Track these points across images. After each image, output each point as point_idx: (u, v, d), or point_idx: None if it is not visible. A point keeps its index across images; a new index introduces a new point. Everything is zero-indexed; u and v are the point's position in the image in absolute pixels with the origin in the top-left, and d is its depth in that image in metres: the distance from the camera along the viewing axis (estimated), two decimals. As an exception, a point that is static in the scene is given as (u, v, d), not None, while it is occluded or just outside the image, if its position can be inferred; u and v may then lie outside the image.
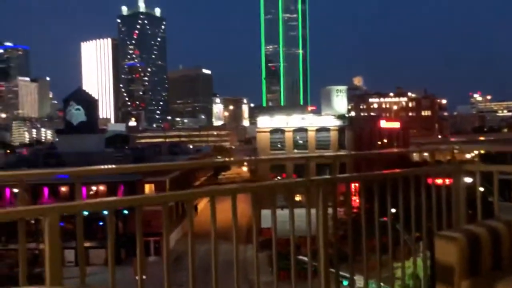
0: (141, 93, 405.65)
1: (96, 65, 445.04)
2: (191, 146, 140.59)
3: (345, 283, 4.40)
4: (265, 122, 70.54)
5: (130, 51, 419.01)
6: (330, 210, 4.09)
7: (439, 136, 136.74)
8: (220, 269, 3.31)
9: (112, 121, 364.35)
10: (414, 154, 25.61)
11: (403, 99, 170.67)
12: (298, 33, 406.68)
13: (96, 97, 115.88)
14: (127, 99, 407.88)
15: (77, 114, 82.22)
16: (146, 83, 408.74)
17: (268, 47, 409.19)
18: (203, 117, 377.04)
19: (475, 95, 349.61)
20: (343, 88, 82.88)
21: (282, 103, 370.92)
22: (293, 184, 3.99)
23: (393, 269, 4.52)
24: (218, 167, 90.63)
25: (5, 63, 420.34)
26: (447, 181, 4.99)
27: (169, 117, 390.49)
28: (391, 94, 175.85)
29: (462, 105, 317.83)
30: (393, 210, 4.40)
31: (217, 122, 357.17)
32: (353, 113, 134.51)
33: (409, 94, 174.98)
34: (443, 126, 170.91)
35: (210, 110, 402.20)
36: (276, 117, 71.34)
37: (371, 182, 4.36)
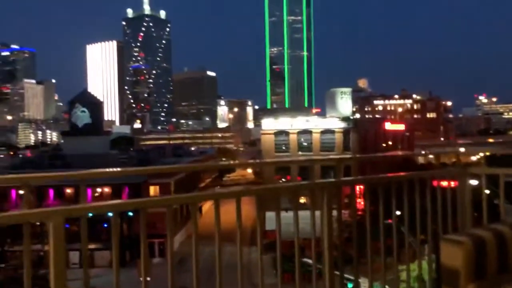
0: (146, 95, 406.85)
1: (101, 67, 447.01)
2: (193, 148, 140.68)
3: (350, 285, 4.38)
4: (269, 124, 70.57)
5: (135, 53, 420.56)
6: (334, 212, 4.08)
7: (442, 139, 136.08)
8: (224, 271, 3.31)
9: (117, 123, 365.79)
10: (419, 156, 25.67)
11: (408, 101, 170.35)
12: (303, 35, 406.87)
13: (101, 99, 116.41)
14: (132, 101, 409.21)
15: (82, 116, 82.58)
16: (151, 85, 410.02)
17: (272, 49, 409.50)
18: (207, 119, 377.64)
19: (481, 97, 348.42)
20: (348, 90, 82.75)
21: (286, 105, 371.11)
22: (298, 187, 3.99)
23: (398, 271, 4.51)
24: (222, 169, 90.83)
25: (11, 66, 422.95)
26: (453, 183, 4.97)
27: (174, 119, 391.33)
28: (396, 96, 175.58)
29: (467, 107, 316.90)
30: (398, 213, 4.39)
31: (221, 124, 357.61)
32: (357, 115, 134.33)
33: (414, 96, 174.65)
34: (448, 128, 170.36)
35: (214, 112, 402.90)
36: (280, 119, 71.37)
37: (376, 185, 4.35)
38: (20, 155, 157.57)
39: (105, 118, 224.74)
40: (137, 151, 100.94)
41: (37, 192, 55.20)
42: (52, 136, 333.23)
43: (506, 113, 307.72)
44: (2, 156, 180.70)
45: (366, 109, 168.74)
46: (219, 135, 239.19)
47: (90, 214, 2.77)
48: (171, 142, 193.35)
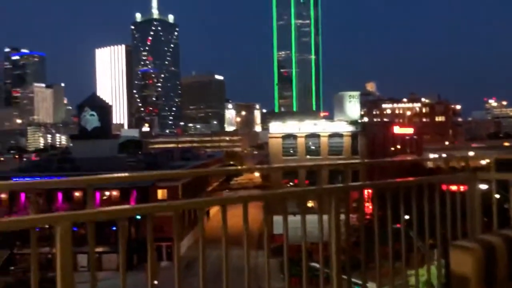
0: (154, 99, 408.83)
1: (110, 71, 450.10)
2: (203, 152, 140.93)
3: (358, 290, 4.35)
4: (277, 127, 70.47)
5: (144, 57, 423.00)
6: (342, 216, 4.06)
7: (446, 143, 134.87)
8: (232, 275, 3.31)
9: (126, 126, 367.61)
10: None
11: (417, 105, 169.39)
12: (311, 39, 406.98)
13: (110, 103, 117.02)
14: (140, 104, 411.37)
15: (91, 119, 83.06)
16: (159, 89, 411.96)
17: (280, 53, 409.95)
18: (215, 122, 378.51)
19: (490, 101, 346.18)
20: (356, 93, 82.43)
21: (294, 109, 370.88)
22: (305, 192, 3.98)
23: (407, 276, 4.47)
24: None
25: (21, 70, 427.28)
26: (462, 187, 4.94)
27: (182, 123, 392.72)
28: (405, 99, 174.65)
29: (477, 111, 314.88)
30: (407, 217, 4.36)
31: (229, 128, 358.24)
32: (366, 119, 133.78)
33: (423, 99, 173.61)
34: (458, 132, 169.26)
35: (222, 115, 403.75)
36: (288, 122, 71.22)
37: (384, 190, 4.33)
38: (24, 159, 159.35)
39: (114, 121, 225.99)
40: (145, 154, 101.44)
41: (46, 195, 55.62)
42: (61, 139, 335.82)
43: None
44: (1, 159, 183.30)
45: (374, 112, 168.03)
46: (227, 138, 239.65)
47: None
48: (179, 145, 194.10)
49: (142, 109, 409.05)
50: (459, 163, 5.35)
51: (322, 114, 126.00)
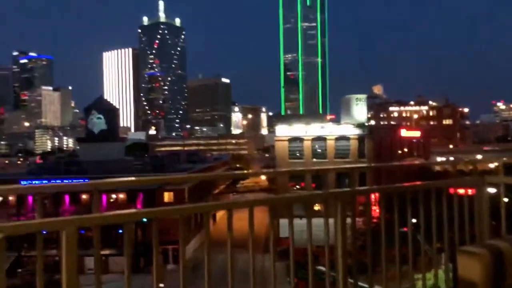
0: (160, 102, 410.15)
1: (117, 75, 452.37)
2: (209, 155, 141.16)
3: (364, 294, 4.33)
4: (283, 130, 70.40)
5: (151, 61, 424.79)
6: (348, 220, 4.05)
7: (450, 146, 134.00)
8: (238, 278, 3.31)
9: (132, 129, 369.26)
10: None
11: (424, 108, 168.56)
12: (317, 42, 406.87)
13: (117, 106, 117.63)
14: (147, 107, 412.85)
15: (98, 122, 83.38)
16: (166, 92, 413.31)
17: (286, 56, 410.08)
18: (221, 125, 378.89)
19: (499, 104, 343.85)
20: (363, 96, 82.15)
21: (301, 112, 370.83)
22: (311, 196, 3.97)
23: (414, 280, 4.44)
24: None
25: (29, 73, 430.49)
26: (470, 191, 4.90)
27: (188, 126, 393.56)
28: (412, 102, 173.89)
29: (485, 114, 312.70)
30: (414, 220, 4.33)
31: (235, 131, 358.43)
32: (373, 122, 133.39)
33: (430, 102, 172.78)
34: (465, 135, 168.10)
35: (228, 118, 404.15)
36: (294, 125, 71.11)
37: (392, 194, 4.31)
38: (27, 162, 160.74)
39: (121, 124, 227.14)
40: (152, 157, 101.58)
41: (53, 197, 55.88)
42: (69, 142, 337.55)
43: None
44: (6, 161, 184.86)
45: (381, 115, 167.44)
46: (233, 141, 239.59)
47: None
48: (185, 148, 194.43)
49: (148, 112, 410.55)
50: (467, 167, 5.32)
51: (328, 117, 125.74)
